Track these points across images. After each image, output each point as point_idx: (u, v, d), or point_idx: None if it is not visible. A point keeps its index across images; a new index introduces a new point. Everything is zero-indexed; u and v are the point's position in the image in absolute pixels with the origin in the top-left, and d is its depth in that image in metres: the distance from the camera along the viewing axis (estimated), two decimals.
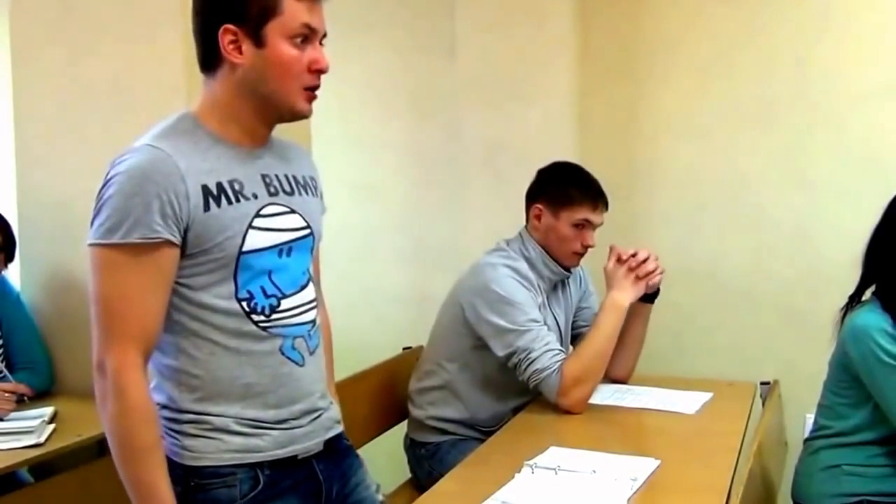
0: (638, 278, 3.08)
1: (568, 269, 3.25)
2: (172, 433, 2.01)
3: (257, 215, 2.00)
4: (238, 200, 1.97)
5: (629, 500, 2.16)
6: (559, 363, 2.94)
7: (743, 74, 4.24)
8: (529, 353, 2.95)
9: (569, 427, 2.87)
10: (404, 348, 3.73)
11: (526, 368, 2.95)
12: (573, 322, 3.39)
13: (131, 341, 1.89)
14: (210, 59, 1.99)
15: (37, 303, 3.32)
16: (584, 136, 4.32)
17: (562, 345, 3.18)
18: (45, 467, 2.77)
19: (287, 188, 2.10)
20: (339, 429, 2.21)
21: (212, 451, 1.97)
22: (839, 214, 4.06)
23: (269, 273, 2.02)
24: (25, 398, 2.96)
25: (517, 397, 3.14)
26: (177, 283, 1.93)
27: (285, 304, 2.04)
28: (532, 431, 2.79)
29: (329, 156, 4.59)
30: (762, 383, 3.33)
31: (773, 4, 4.19)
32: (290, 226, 2.07)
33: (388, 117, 4.97)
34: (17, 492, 2.78)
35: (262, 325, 2.00)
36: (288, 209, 2.07)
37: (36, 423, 2.78)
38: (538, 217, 3.20)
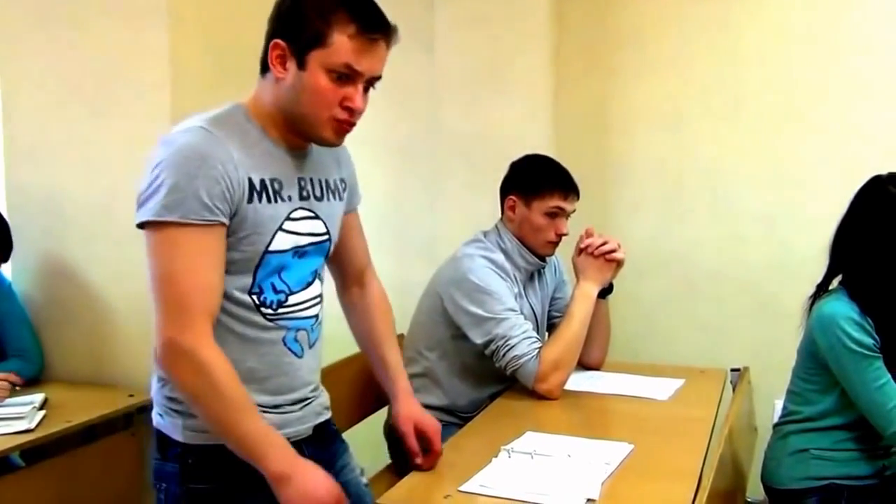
0: (605, 261, 3.14)
1: (543, 259, 3.29)
2: (172, 411, 2.06)
3: (287, 218, 2.07)
4: (275, 200, 2.04)
5: (603, 483, 2.19)
6: (537, 350, 2.98)
7: (713, 68, 4.29)
8: (508, 341, 2.99)
9: (545, 413, 2.91)
10: None
11: (504, 355, 3.00)
12: (548, 312, 3.44)
13: (201, 315, 1.91)
14: (264, 64, 2.05)
15: (28, 292, 3.33)
16: (558, 129, 4.36)
17: (538, 333, 3.22)
18: (35, 452, 2.78)
19: (317, 193, 2.18)
20: (328, 415, 2.29)
21: (210, 431, 2.00)
22: (807, 205, 4.11)
23: (280, 271, 2.08)
24: (16, 387, 2.98)
25: (495, 384, 3.18)
26: None
27: (292, 299, 2.12)
28: (509, 417, 2.81)
29: None
30: (732, 370, 3.36)
31: (743, 0, 4.25)
32: (312, 231, 2.15)
33: (367, 111, 4.97)
34: (9, 475, 2.79)
35: (269, 317, 2.08)
36: (313, 215, 2.15)
37: (27, 409, 2.80)
38: (512, 208, 3.25)
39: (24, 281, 3.34)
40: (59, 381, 3.27)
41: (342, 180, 2.31)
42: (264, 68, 2.06)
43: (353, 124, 2.09)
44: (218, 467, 2.02)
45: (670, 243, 4.40)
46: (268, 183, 2.03)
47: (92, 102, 3.14)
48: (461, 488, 2.16)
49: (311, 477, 1.95)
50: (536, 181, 3.22)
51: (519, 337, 3.00)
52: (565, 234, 3.23)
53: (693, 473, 2.28)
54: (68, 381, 3.26)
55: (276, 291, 2.09)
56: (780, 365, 3.07)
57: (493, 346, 3.02)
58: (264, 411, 2.04)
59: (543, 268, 3.36)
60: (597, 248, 3.15)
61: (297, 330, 2.15)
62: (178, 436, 2.06)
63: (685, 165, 4.37)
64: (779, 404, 3.05)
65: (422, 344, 3.29)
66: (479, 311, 3.04)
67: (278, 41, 1.99)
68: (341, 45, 1.96)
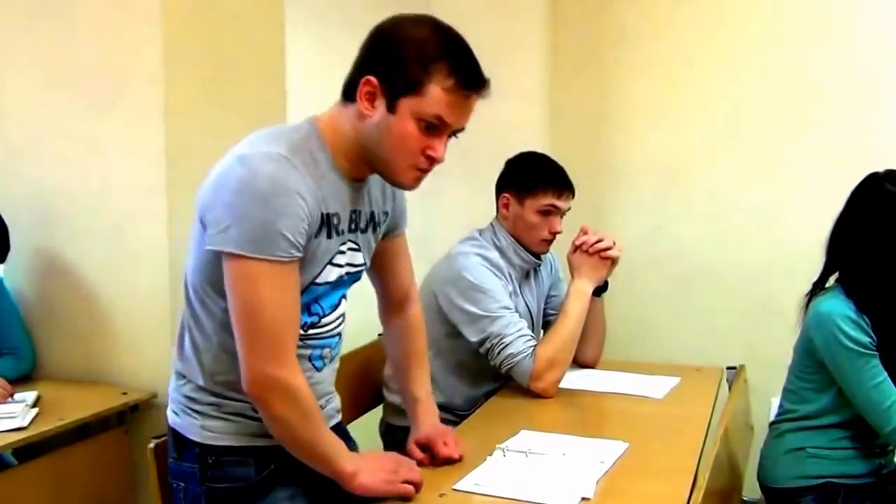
0: (600, 259, 3.13)
1: (538, 257, 3.29)
2: (193, 412, 2.11)
3: (338, 252, 2.12)
4: (331, 236, 2.07)
5: (598, 482, 2.18)
6: (532, 348, 2.98)
7: (708, 65, 4.30)
8: (503, 339, 2.98)
9: (539, 411, 2.90)
10: (379, 335, 3.72)
11: (499, 353, 2.99)
12: (544, 310, 3.43)
13: (291, 347, 1.98)
14: (349, 93, 2.03)
15: (19, 289, 3.33)
16: (554, 126, 4.36)
17: (533, 331, 3.21)
18: (28, 450, 2.79)
19: (363, 225, 2.21)
20: (339, 417, 2.37)
21: (230, 432, 2.07)
22: (804, 203, 4.12)
23: (318, 298, 2.13)
24: (11, 396, 2.95)
25: (490, 382, 3.18)
26: None
27: (322, 321, 2.15)
28: (503, 416, 2.81)
29: None
30: (728, 368, 3.35)
31: None
32: (353, 261, 2.20)
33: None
34: (1, 473, 2.81)
35: (300, 336, 2.09)
36: (357, 247, 2.20)
37: (19, 407, 2.81)
38: (506, 206, 3.24)
39: (16, 278, 3.33)
40: (52, 378, 3.26)
41: (385, 213, 2.32)
42: (346, 95, 2.05)
43: (427, 171, 2.08)
44: (236, 465, 2.08)
45: (666, 241, 4.40)
46: (332, 218, 2.05)
47: (84, 98, 3.14)
48: (456, 487, 2.16)
49: (372, 459, 2.11)
50: (530, 179, 3.21)
51: (514, 335, 2.99)
52: (559, 232, 3.22)
53: (689, 472, 2.27)
54: (61, 378, 3.26)
55: (310, 314, 2.12)
56: (777, 363, 3.07)
57: (487, 345, 3.01)
58: None
59: (539, 266, 3.36)
60: (592, 245, 3.13)
61: (323, 347, 2.21)
62: (195, 436, 2.10)
63: (681, 163, 4.38)
64: (775, 402, 3.05)
65: None
66: (474, 309, 3.03)
67: (371, 78, 1.97)
68: (436, 96, 1.96)
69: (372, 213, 2.24)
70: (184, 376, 2.14)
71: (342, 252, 2.12)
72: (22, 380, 3.16)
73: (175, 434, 2.16)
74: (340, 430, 2.37)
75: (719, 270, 4.32)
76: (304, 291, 2.05)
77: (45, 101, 3.21)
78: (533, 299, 3.34)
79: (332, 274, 2.11)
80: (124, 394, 3.05)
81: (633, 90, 4.45)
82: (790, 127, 4.19)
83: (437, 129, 2.00)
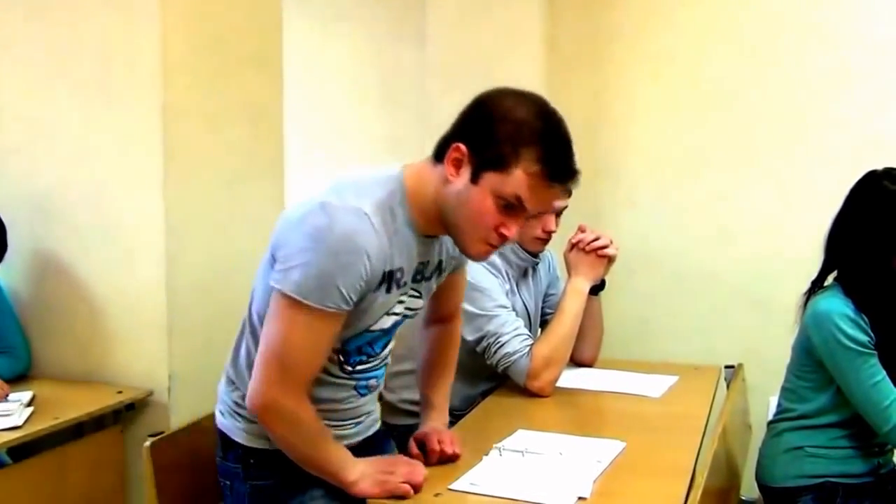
0: (597, 257, 3.12)
1: (535, 255, 3.27)
2: (238, 416, 2.22)
3: (397, 302, 2.16)
4: (391, 290, 2.10)
5: (595, 481, 2.17)
6: (528, 347, 2.97)
7: (707, 64, 4.30)
8: (499, 338, 2.98)
9: (536, 410, 2.89)
10: None
11: (496, 352, 2.98)
12: (542, 308, 3.42)
13: (306, 382, 2.06)
14: (440, 154, 2.05)
15: (15, 288, 3.33)
16: None
17: (531, 330, 3.21)
18: (23, 449, 2.80)
19: (428, 274, 2.26)
20: (377, 426, 2.45)
21: (270, 438, 2.15)
22: (802, 201, 4.12)
23: (372, 342, 2.21)
24: (7, 396, 2.95)
25: (486, 381, 3.16)
26: None
27: (372, 359, 2.25)
28: (500, 415, 2.80)
29: (301, 143, 4.62)
30: (726, 367, 3.35)
31: None
32: (412, 306, 2.25)
33: (359, 106, 4.98)
34: None
35: (348, 372, 2.22)
36: (419, 294, 2.26)
37: (14, 406, 2.82)
38: None
39: (12, 277, 3.32)
40: (47, 377, 3.27)
41: (453, 258, 2.34)
42: (438, 156, 2.07)
43: (497, 247, 2.10)
44: (276, 466, 2.17)
45: (664, 239, 4.40)
46: (395, 273, 2.09)
47: (81, 96, 3.15)
48: (451, 486, 2.15)
49: (372, 463, 2.13)
50: None
51: (510, 334, 2.98)
52: (553, 231, 3.19)
53: (686, 471, 2.27)
54: (56, 377, 3.26)
55: (360, 353, 2.21)
56: (775, 362, 3.06)
57: (484, 343, 3.00)
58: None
59: (537, 264, 3.34)
60: (588, 243, 3.13)
61: (369, 379, 2.29)
62: (239, 438, 2.22)
63: (679, 161, 4.37)
64: (773, 401, 3.04)
65: (413, 340, 3.26)
66: (471, 308, 3.01)
67: (461, 146, 1.99)
68: (520, 178, 1.96)
69: (440, 262, 2.28)
70: (234, 383, 2.26)
71: (401, 301, 2.18)
72: (17, 379, 3.17)
73: (221, 435, 2.28)
74: (377, 435, 2.46)
75: (717, 269, 4.31)
76: (357, 336, 2.15)
77: (42, 99, 3.22)
78: (530, 298, 3.33)
79: (387, 322, 2.18)
80: (119, 392, 3.06)
81: (630, 89, 4.44)
82: (788, 125, 4.19)
83: (515, 209, 2.00)
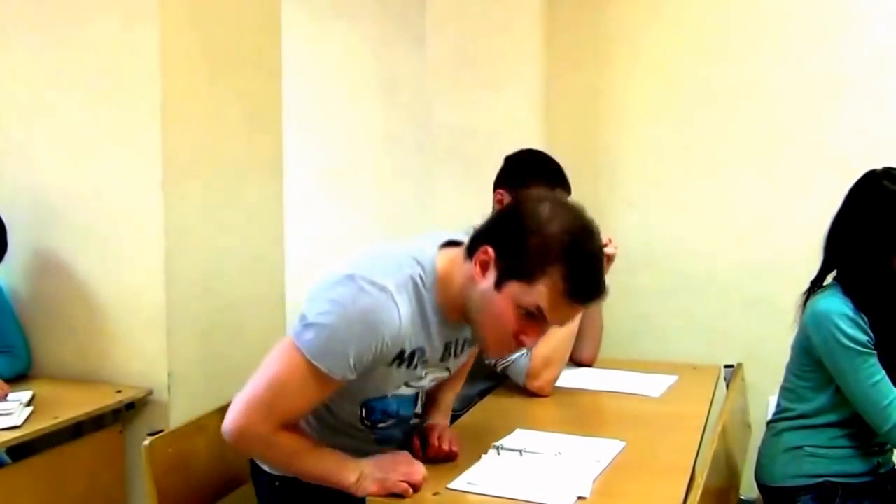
0: None
1: None
2: None
3: (419, 377, 2.22)
4: (412, 367, 2.15)
5: (594, 481, 2.17)
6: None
7: (706, 63, 4.29)
8: None
9: (535, 410, 2.90)
10: None
11: None
12: None
13: (280, 422, 2.07)
14: (472, 249, 2.07)
15: (15, 288, 3.32)
16: (550, 123, 4.36)
17: None
18: (22, 448, 2.79)
19: (458, 351, 2.29)
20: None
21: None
22: (801, 200, 4.12)
23: (397, 405, 2.27)
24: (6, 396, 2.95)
25: (484, 381, 3.15)
26: None
27: (391, 418, 2.29)
28: (498, 414, 2.80)
29: (300, 142, 4.62)
30: (726, 366, 3.35)
31: None
32: (437, 376, 2.31)
33: (358, 105, 4.99)
34: None
35: (367, 426, 2.27)
36: (446, 370, 2.32)
37: (14, 405, 2.82)
38: (500, 202, 3.21)
39: (12, 276, 3.32)
40: (47, 377, 3.26)
41: None
42: (470, 250, 2.08)
43: (514, 352, 2.19)
44: (301, 488, 2.23)
45: (663, 239, 4.39)
46: (416, 353, 2.13)
47: (82, 95, 3.15)
48: (449, 486, 2.15)
49: (373, 462, 2.13)
50: (521, 174, 3.18)
51: None
52: None
53: (685, 471, 2.27)
54: (56, 377, 3.25)
55: (381, 412, 2.26)
56: (774, 362, 3.06)
57: None
58: None
59: None
60: None
61: (390, 436, 2.35)
62: (265, 466, 2.34)
63: (678, 160, 4.37)
64: (773, 401, 3.04)
65: None
66: None
67: (489, 249, 2.02)
68: (543, 293, 1.97)
69: (466, 339, 2.30)
70: None
71: (424, 376, 2.24)
72: (17, 379, 3.16)
73: (251, 461, 2.40)
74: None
75: (717, 268, 4.31)
76: (378, 399, 2.22)
77: (42, 99, 3.22)
78: None
79: (407, 391, 2.25)
80: (119, 392, 3.05)
81: (630, 88, 4.44)
82: (788, 125, 4.18)
83: (536, 318, 2.01)
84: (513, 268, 1.98)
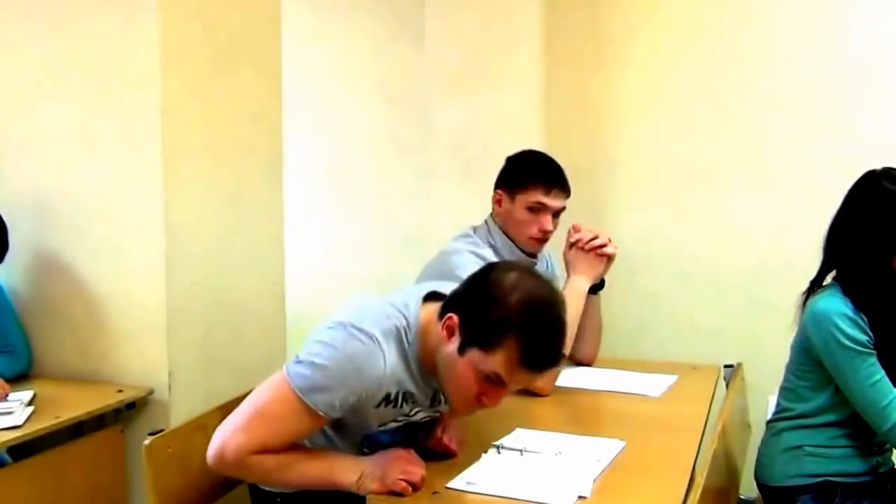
0: (596, 256, 3.13)
1: (532, 255, 3.26)
2: None
3: (406, 415, 2.30)
4: (399, 407, 2.24)
5: (594, 480, 2.18)
6: None
7: (705, 63, 4.31)
8: None
9: (535, 409, 2.89)
10: None
11: None
12: None
13: (255, 449, 2.13)
14: (444, 312, 2.17)
15: (16, 287, 3.33)
16: (549, 124, 4.37)
17: None
18: (23, 448, 2.79)
19: (445, 399, 2.31)
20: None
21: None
22: (801, 200, 4.13)
23: (392, 433, 2.37)
24: (7, 396, 2.95)
25: None
26: None
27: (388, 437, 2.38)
28: (498, 413, 2.75)
29: (300, 143, 4.62)
30: (726, 366, 3.35)
31: None
32: (428, 415, 2.38)
33: (358, 105, 4.99)
34: None
35: (367, 453, 2.33)
36: (436, 414, 2.41)
37: (15, 405, 2.82)
38: (499, 202, 3.22)
39: (13, 276, 3.33)
40: (48, 377, 3.27)
41: None
42: (441, 314, 2.17)
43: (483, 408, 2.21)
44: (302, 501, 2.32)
45: (663, 239, 4.40)
46: (403, 395, 2.23)
47: (81, 97, 3.15)
48: (449, 485, 2.16)
49: (372, 461, 2.19)
50: (520, 175, 3.19)
51: None
52: (549, 231, 3.17)
53: (685, 470, 2.28)
54: (57, 377, 3.26)
55: (368, 443, 2.36)
56: (774, 361, 3.06)
57: None
58: None
59: (534, 264, 3.34)
60: (587, 242, 3.13)
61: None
62: (265, 487, 2.38)
63: (678, 160, 4.38)
64: (772, 401, 3.04)
65: None
66: None
67: (454, 316, 2.12)
68: (501, 361, 2.05)
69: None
70: None
71: (410, 415, 2.32)
72: (18, 378, 3.16)
73: (250, 485, 2.46)
74: None
75: (717, 268, 4.32)
76: (371, 430, 2.32)
77: (43, 100, 3.22)
78: None
79: (395, 426, 2.34)
80: (120, 392, 3.06)
81: (629, 88, 4.45)
82: (788, 125, 4.19)
83: (495, 382, 2.09)
84: (474, 336, 2.07)
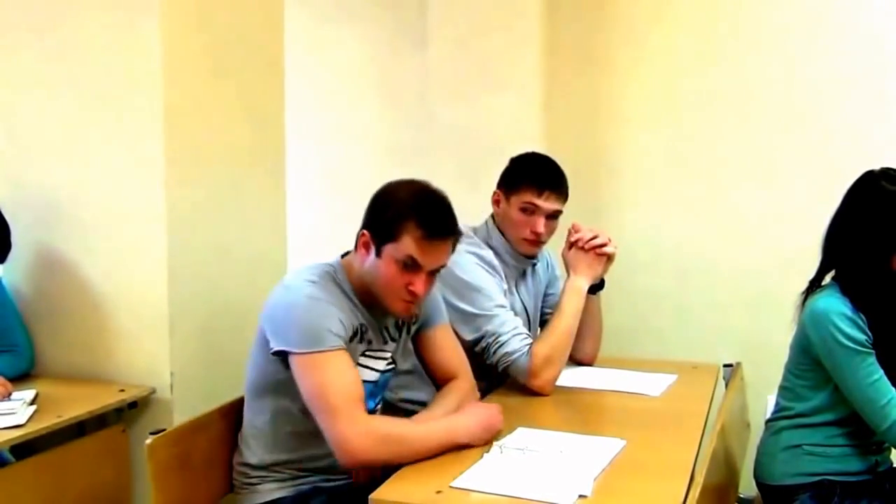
0: (596, 255, 3.14)
1: (529, 257, 3.29)
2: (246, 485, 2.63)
3: (363, 354, 2.60)
4: (365, 341, 2.59)
5: (595, 479, 2.18)
6: (528, 346, 2.98)
7: (706, 64, 4.31)
8: (499, 337, 2.99)
9: (536, 409, 2.91)
10: None
11: (495, 352, 2.99)
12: (541, 308, 3.42)
13: (361, 411, 2.39)
14: (356, 243, 2.56)
15: (19, 287, 3.33)
16: (551, 125, 4.37)
17: (530, 329, 3.22)
18: (26, 447, 2.80)
19: (392, 335, 2.70)
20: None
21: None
22: (801, 200, 4.13)
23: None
24: (10, 394, 2.95)
25: (484, 380, 3.17)
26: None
27: None
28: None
29: (302, 143, 4.63)
30: (725, 365, 3.36)
31: None
32: (385, 368, 2.70)
33: (360, 107, 5.00)
34: None
35: None
36: (391, 361, 2.72)
37: (17, 404, 2.83)
38: (497, 203, 3.24)
39: (15, 275, 3.33)
40: (50, 376, 3.27)
41: (418, 316, 2.77)
42: (356, 246, 2.56)
43: (418, 303, 2.58)
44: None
45: (663, 238, 4.41)
46: (360, 329, 2.56)
47: (85, 96, 3.15)
48: (452, 484, 2.16)
49: (470, 418, 2.49)
50: (515, 176, 3.20)
51: (509, 333, 2.99)
52: (540, 233, 3.17)
53: (685, 469, 2.28)
54: (59, 376, 3.27)
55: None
56: (773, 361, 3.06)
57: (483, 343, 3.01)
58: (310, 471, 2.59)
59: (534, 265, 3.35)
60: (587, 242, 3.14)
61: None
62: (260, 499, 2.57)
63: (678, 161, 4.39)
64: (771, 400, 3.05)
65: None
66: (469, 308, 3.03)
67: (365, 232, 2.52)
68: (407, 243, 2.44)
69: (397, 321, 2.71)
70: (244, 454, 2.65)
71: (369, 356, 2.63)
72: (21, 377, 3.17)
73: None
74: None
75: (716, 268, 4.33)
76: None
77: (46, 100, 3.23)
78: (529, 298, 3.34)
79: (368, 376, 2.62)
80: (122, 391, 3.07)
81: (629, 89, 4.45)
82: (789, 125, 4.20)
83: (413, 267, 2.47)
84: (382, 235, 2.47)
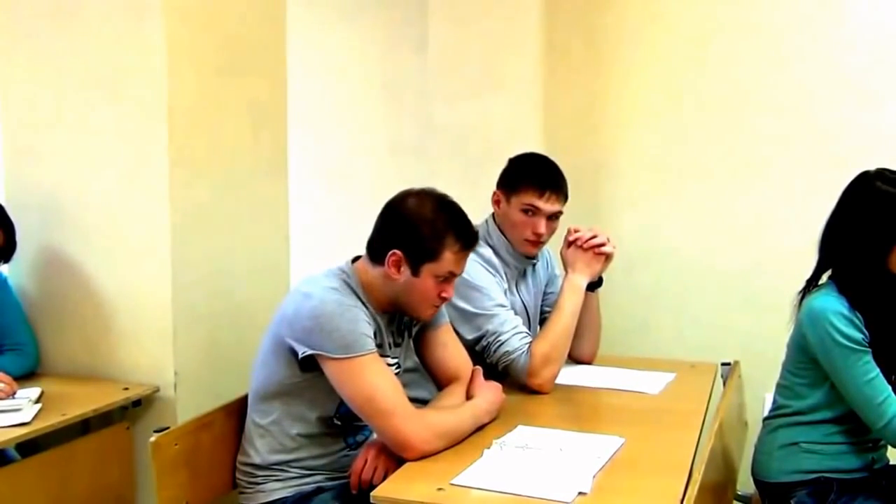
0: (594, 255, 3.15)
1: (529, 257, 3.29)
2: (250, 483, 2.66)
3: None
4: (380, 346, 2.57)
5: (594, 477, 2.20)
6: (527, 345, 3.00)
7: (704, 63, 4.31)
8: (499, 336, 3.00)
9: (536, 407, 2.91)
10: None
11: (495, 351, 3.01)
12: (541, 307, 3.43)
13: (408, 405, 2.44)
14: (376, 257, 2.59)
15: (23, 286, 3.34)
16: (550, 125, 4.38)
17: (530, 328, 3.23)
18: (31, 445, 2.82)
19: (396, 341, 2.73)
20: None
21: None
22: (797, 200, 4.14)
23: None
24: (14, 393, 2.96)
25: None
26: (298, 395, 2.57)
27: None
28: (501, 412, 2.83)
29: (304, 143, 4.64)
30: (723, 364, 3.36)
31: None
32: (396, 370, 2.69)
33: (361, 107, 5.00)
34: (5, 468, 2.82)
35: (339, 429, 2.67)
36: (397, 364, 2.71)
37: (23, 402, 2.83)
38: (497, 203, 3.24)
39: (20, 275, 3.35)
40: (55, 374, 3.28)
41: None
42: (373, 258, 2.60)
43: (440, 304, 2.68)
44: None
45: (661, 238, 4.42)
46: (374, 334, 2.54)
47: (89, 97, 3.16)
48: (453, 481, 2.17)
49: (487, 394, 2.70)
50: (516, 177, 3.20)
51: (509, 332, 3.01)
52: (541, 234, 3.17)
53: (684, 467, 2.30)
54: (64, 374, 3.28)
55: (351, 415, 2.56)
56: (771, 359, 3.07)
57: (483, 342, 3.03)
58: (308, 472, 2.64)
59: (534, 264, 3.36)
60: (586, 241, 3.15)
61: (358, 434, 2.73)
62: (264, 498, 2.60)
63: (676, 161, 4.40)
64: (769, 398, 3.05)
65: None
66: (469, 307, 3.04)
67: (397, 252, 2.53)
68: (449, 259, 2.55)
69: (401, 324, 2.76)
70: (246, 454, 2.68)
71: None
72: (26, 376, 3.18)
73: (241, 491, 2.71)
74: None
75: (714, 267, 4.34)
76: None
77: (50, 101, 3.23)
78: (529, 297, 3.35)
79: None
80: (126, 389, 3.08)
81: (628, 89, 4.46)
82: (787, 125, 4.21)
83: (449, 278, 2.58)
84: (421, 255, 2.53)
